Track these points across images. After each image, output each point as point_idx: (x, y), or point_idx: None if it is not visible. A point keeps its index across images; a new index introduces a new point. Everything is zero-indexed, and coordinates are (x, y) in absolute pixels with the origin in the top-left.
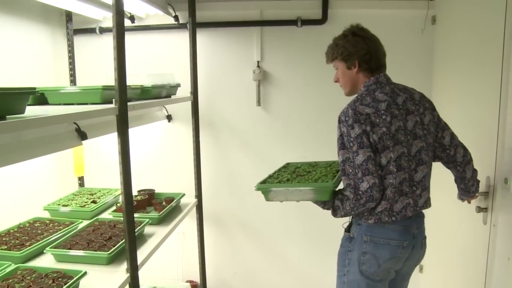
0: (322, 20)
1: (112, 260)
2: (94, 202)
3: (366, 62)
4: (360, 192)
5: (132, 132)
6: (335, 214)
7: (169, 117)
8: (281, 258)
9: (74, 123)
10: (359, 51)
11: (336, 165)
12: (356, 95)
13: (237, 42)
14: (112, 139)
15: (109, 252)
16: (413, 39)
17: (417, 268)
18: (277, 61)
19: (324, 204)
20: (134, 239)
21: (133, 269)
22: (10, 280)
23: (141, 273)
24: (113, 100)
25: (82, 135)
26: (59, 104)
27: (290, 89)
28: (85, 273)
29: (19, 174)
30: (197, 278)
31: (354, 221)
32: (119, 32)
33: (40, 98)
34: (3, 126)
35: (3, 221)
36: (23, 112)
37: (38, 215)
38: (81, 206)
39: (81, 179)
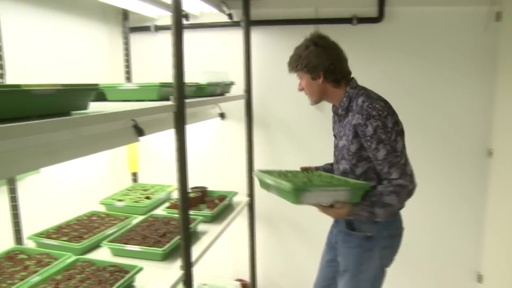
0: (379, 18)
1: (167, 256)
2: (147, 198)
3: (331, 73)
4: (410, 176)
5: (187, 129)
6: (382, 213)
7: (222, 115)
8: None
9: (132, 119)
10: (323, 62)
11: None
12: (341, 99)
13: (292, 40)
14: (165, 135)
15: (164, 248)
16: (474, 37)
17: (474, 277)
18: None
19: (359, 209)
20: (189, 236)
21: (187, 266)
22: (71, 271)
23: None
24: (171, 97)
25: (140, 132)
26: (117, 101)
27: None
28: (141, 268)
29: (77, 169)
30: (247, 277)
31: (364, 220)
32: (177, 29)
33: (99, 94)
34: (68, 121)
35: (63, 213)
36: (86, 108)
37: (95, 209)
38: (135, 202)
39: (134, 174)
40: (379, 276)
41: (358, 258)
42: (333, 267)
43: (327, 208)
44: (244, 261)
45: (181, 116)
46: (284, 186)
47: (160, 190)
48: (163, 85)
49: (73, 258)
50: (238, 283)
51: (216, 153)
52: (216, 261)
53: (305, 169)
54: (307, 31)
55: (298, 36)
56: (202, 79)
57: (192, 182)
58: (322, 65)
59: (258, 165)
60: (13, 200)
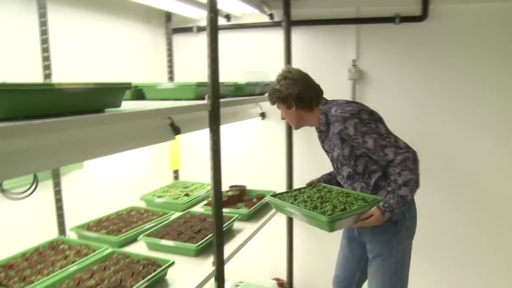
0: (422, 16)
1: (200, 252)
2: (187, 195)
3: (300, 101)
4: (406, 147)
5: (227, 128)
6: (408, 190)
7: (263, 115)
8: None
9: (169, 118)
10: (292, 93)
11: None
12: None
13: (332, 40)
14: (207, 134)
15: (197, 244)
16: None
17: None
18: (373, 60)
19: (389, 205)
20: (222, 234)
21: (220, 263)
22: (107, 262)
23: (229, 267)
24: (206, 96)
25: (176, 130)
26: (155, 99)
27: (388, 89)
28: (173, 262)
29: (119, 166)
30: (284, 277)
31: None
32: (213, 30)
33: (139, 93)
34: (102, 118)
35: (104, 207)
36: (119, 106)
37: (134, 204)
38: (175, 198)
39: (176, 172)
40: (408, 256)
41: (389, 242)
42: (355, 257)
43: (360, 222)
44: (282, 260)
45: (215, 115)
46: (321, 218)
47: (199, 187)
48: (200, 84)
49: (110, 250)
50: (274, 282)
51: (256, 152)
52: (254, 259)
53: (310, 184)
54: (348, 31)
55: (339, 35)
56: (242, 79)
57: (232, 180)
58: (291, 95)
59: (297, 165)
60: (57, 193)
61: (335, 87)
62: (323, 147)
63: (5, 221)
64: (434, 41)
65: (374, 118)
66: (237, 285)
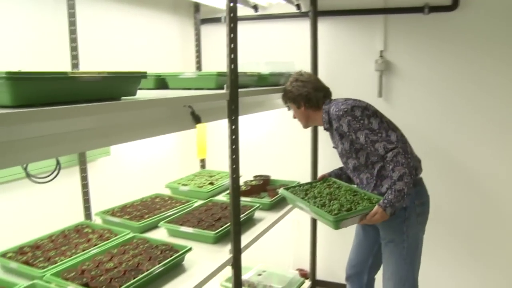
0: (453, 6)
1: (218, 240)
2: (211, 184)
3: (309, 101)
4: (396, 141)
5: (253, 118)
6: (404, 184)
7: (289, 106)
8: None
9: (190, 107)
10: (301, 94)
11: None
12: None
13: (359, 31)
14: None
15: (215, 232)
16: None
17: None
18: (401, 51)
19: (388, 202)
20: (239, 223)
21: (237, 251)
22: (127, 246)
23: (253, 256)
24: (225, 85)
25: (197, 119)
26: (178, 89)
27: (415, 81)
28: (190, 249)
29: (147, 154)
30: (307, 267)
31: None
32: (232, 19)
33: (162, 82)
34: (117, 105)
35: (130, 194)
36: (134, 94)
37: (160, 192)
38: (199, 187)
39: (203, 161)
40: (420, 241)
41: (399, 228)
42: (369, 242)
43: (365, 220)
44: (305, 251)
45: (234, 104)
46: (327, 217)
47: (225, 177)
48: (220, 74)
49: (131, 235)
50: (296, 272)
51: (282, 142)
52: (278, 250)
53: (321, 178)
54: (375, 21)
55: (367, 26)
56: (266, 69)
57: (257, 170)
58: (301, 96)
59: (322, 156)
60: (84, 179)
61: (361, 78)
62: (333, 142)
63: (35, 205)
64: (465, 33)
65: (368, 114)
66: (260, 274)
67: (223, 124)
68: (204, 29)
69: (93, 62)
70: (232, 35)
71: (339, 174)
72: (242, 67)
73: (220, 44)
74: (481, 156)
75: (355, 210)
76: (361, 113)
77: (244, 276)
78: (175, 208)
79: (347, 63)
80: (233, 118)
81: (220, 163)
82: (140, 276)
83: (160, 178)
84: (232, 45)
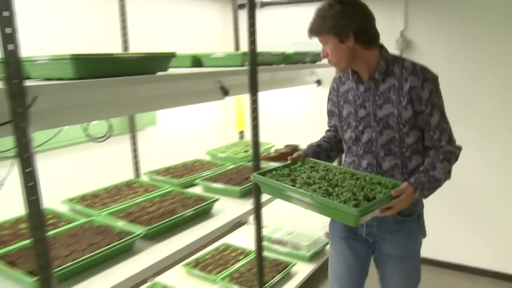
0: None
1: (244, 195)
2: (246, 151)
3: (362, 33)
4: (455, 144)
5: (286, 92)
6: (434, 188)
7: (318, 82)
8: None
9: (219, 81)
10: (352, 21)
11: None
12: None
13: (379, 9)
14: (271, 96)
15: (241, 187)
16: None
17: None
18: (422, 30)
19: (422, 189)
20: None
21: (257, 205)
22: (166, 197)
23: (284, 219)
24: (245, 63)
25: (225, 92)
26: (211, 67)
27: (436, 60)
28: (217, 199)
29: (190, 125)
30: None
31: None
32: (251, 7)
33: (198, 61)
34: (151, 78)
35: (173, 159)
36: (166, 70)
37: (200, 158)
38: (235, 154)
39: (241, 132)
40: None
41: (416, 238)
42: (359, 263)
43: (389, 210)
44: None
45: (253, 79)
46: (347, 210)
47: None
48: (245, 53)
49: (170, 189)
50: (322, 233)
51: (311, 116)
52: (308, 214)
53: (296, 159)
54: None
55: (387, 4)
56: (291, 49)
57: (288, 140)
58: (351, 25)
59: None
60: (134, 144)
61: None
62: (352, 100)
63: (95, 164)
64: (487, 11)
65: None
66: (289, 234)
67: (262, 98)
68: (242, 13)
69: (145, 44)
70: (251, 20)
71: (317, 153)
72: (270, 47)
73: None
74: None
75: (380, 198)
76: (440, 91)
77: (275, 235)
78: (210, 170)
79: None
80: (253, 92)
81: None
82: (174, 217)
83: (201, 146)
84: (251, 29)
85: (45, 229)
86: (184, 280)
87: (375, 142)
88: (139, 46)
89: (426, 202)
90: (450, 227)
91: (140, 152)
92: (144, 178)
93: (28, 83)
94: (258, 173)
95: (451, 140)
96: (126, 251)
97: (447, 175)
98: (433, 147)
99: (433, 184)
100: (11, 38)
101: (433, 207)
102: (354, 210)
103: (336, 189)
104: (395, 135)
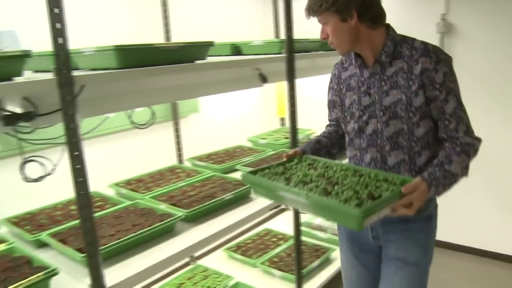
0: None
1: None
2: (286, 138)
3: (366, 10)
4: (474, 135)
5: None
6: (450, 185)
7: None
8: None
9: (257, 69)
10: None
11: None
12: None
13: None
14: (312, 83)
15: None
16: None
17: None
18: (464, 13)
19: (436, 185)
20: None
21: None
22: (206, 182)
23: None
24: (282, 50)
25: (263, 79)
26: (250, 54)
27: (479, 44)
28: None
29: (232, 112)
30: None
31: None
32: None
33: (237, 49)
34: (190, 67)
35: (215, 145)
36: (204, 58)
37: (242, 144)
38: (275, 140)
39: (282, 119)
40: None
41: (425, 243)
42: (370, 272)
43: (402, 209)
44: None
45: (290, 66)
46: (349, 211)
47: (300, 133)
48: (283, 41)
49: (211, 174)
50: None
51: None
52: None
53: (292, 156)
54: None
55: None
56: None
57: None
58: (354, 1)
59: None
60: (177, 131)
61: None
62: (355, 87)
63: (139, 150)
64: None
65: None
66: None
67: (304, 85)
68: (281, 2)
69: (187, 34)
70: (287, 7)
71: (316, 149)
72: (309, 34)
73: (295, 15)
74: None
75: (386, 196)
76: (455, 74)
77: (315, 221)
78: (251, 156)
79: (407, 25)
80: (290, 78)
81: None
82: (213, 200)
83: (243, 133)
84: (288, 16)
85: (91, 208)
86: (224, 263)
87: (380, 134)
88: (181, 36)
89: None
90: (492, 215)
91: (183, 139)
92: (187, 164)
93: (75, 73)
94: (248, 172)
95: (469, 130)
96: (167, 232)
97: (465, 170)
98: (449, 139)
99: (449, 180)
100: (60, 33)
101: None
102: (357, 211)
103: (336, 187)
104: (403, 126)
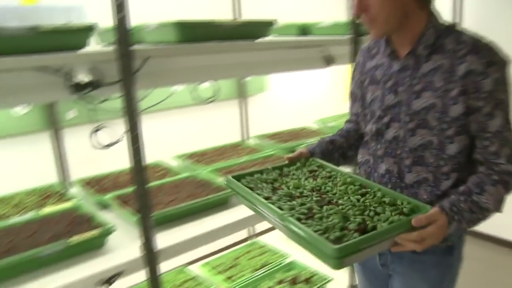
0: None
1: None
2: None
3: None
4: None
5: None
6: (479, 219)
7: None
8: None
9: (321, 50)
10: None
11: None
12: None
13: None
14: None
15: None
16: None
17: None
18: None
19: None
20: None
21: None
22: (267, 159)
23: None
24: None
25: (329, 60)
26: (318, 35)
27: None
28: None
29: (303, 94)
30: None
31: None
32: None
33: (306, 30)
34: (249, 45)
35: (281, 125)
36: (265, 36)
37: (308, 126)
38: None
39: None
40: None
41: (439, 282)
42: None
43: (410, 243)
44: None
45: (354, 49)
46: (323, 246)
47: None
48: (348, 23)
49: (272, 152)
50: None
51: None
52: None
53: (297, 158)
54: None
55: None
56: None
57: None
58: None
59: None
60: (243, 109)
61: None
62: (380, 81)
63: (205, 126)
64: None
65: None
66: None
67: None
68: None
69: (259, 13)
70: None
71: (328, 151)
72: None
73: None
74: None
75: (379, 231)
76: (509, 82)
77: None
78: (315, 138)
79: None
80: (352, 60)
81: None
82: None
83: (311, 115)
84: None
85: (145, 173)
86: (283, 241)
87: (402, 143)
88: (253, 15)
89: None
90: None
91: (250, 117)
92: (251, 141)
93: (137, 46)
94: (233, 176)
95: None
96: (221, 204)
97: (498, 205)
98: (485, 163)
99: (477, 215)
100: (120, 7)
101: None
102: (331, 248)
103: (324, 208)
104: (432, 138)
